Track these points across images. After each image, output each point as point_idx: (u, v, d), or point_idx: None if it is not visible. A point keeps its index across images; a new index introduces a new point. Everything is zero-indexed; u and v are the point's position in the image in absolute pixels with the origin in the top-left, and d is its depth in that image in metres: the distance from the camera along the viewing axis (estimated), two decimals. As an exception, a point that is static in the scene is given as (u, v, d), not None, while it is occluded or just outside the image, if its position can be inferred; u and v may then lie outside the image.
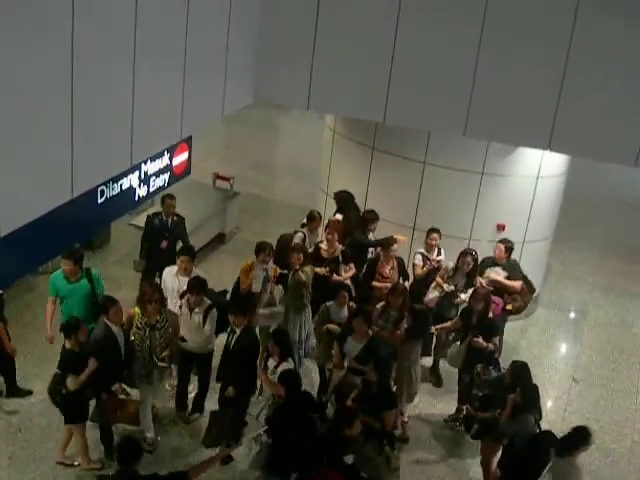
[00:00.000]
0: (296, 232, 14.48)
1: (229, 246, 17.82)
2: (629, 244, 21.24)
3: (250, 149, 24.78)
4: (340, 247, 13.90)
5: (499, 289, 13.50)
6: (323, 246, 13.86)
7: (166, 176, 10.71)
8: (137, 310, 11.29)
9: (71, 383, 10.47)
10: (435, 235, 14.01)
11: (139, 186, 9.89)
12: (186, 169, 11.37)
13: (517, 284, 13.64)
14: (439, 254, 14.15)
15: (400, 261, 14.07)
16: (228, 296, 13.03)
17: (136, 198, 9.96)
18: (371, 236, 14.57)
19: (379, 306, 12.67)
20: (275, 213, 20.55)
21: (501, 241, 13.97)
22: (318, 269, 13.49)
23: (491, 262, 13.92)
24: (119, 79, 8.11)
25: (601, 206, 23.17)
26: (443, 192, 15.20)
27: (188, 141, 11.03)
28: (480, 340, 12.22)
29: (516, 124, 10.72)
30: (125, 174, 9.32)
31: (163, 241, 14.63)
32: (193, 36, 9.18)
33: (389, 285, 13.21)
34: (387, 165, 15.49)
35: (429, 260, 14.04)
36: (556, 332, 15.55)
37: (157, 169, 10.37)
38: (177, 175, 11.10)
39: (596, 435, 12.75)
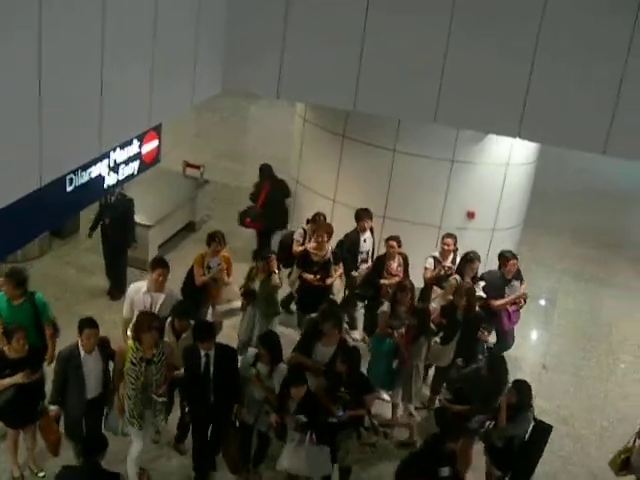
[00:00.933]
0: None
1: (199, 234, 17.71)
2: (597, 231, 21.36)
3: (220, 137, 24.72)
4: (331, 248, 13.71)
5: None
6: (312, 249, 13.62)
7: (135, 164, 10.65)
8: (131, 344, 10.20)
9: None
10: (449, 240, 13.66)
11: (108, 174, 9.81)
12: (156, 157, 11.30)
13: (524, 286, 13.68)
14: (453, 261, 13.75)
15: (405, 257, 13.87)
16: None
17: (105, 186, 9.89)
18: (367, 235, 14.32)
19: (386, 307, 12.49)
20: (246, 201, 20.42)
21: (513, 256, 13.48)
22: (307, 275, 13.35)
23: (502, 280, 13.45)
24: (87, 67, 8.05)
25: (570, 194, 23.28)
26: (413, 180, 15.25)
27: (157, 129, 10.96)
28: (486, 334, 12.65)
29: (486, 111, 10.74)
30: (94, 162, 9.26)
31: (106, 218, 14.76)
32: (162, 23, 9.13)
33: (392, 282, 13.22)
34: (357, 153, 15.51)
35: (441, 265, 13.71)
36: (526, 319, 15.54)
37: (126, 157, 10.30)
38: (147, 163, 11.03)
39: (566, 422, 12.90)
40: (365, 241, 14.30)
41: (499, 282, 13.35)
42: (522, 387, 10.62)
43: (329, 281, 13.50)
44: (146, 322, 10.13)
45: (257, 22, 10.94)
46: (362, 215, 14.17)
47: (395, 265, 13.72)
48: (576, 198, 23.17)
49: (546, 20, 9.98)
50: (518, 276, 13.51)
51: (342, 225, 15.47)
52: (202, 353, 10.27)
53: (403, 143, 15.01)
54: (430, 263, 13.76)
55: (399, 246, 13.57)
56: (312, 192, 16.39)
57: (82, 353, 10.07)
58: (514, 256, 13.43)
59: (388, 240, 13.62)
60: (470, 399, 11.05)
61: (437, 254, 13.80)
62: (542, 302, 15.84)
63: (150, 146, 11.00)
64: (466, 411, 11.00)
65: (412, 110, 11.18)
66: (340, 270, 13.69)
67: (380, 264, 13.80)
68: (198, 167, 18.55)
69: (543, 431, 10.62)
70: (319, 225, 13.86)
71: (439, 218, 15.40)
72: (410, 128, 14.69)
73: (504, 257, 13.41)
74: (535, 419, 10.65)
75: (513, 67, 10.30)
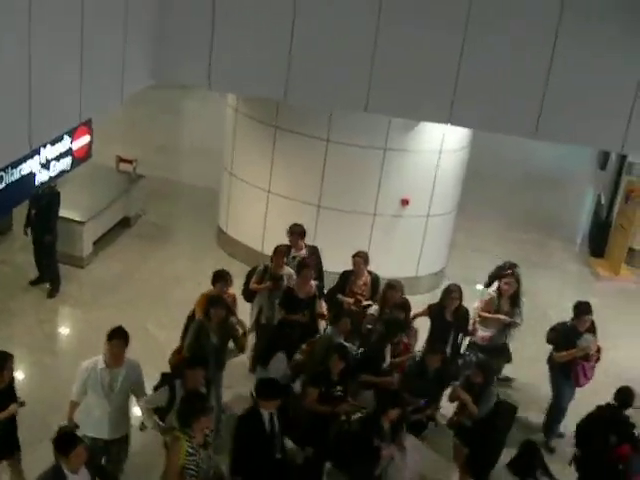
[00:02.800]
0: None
1: (134, 230, 17.68)
2: (532, 215, 21.66)
3: (153, 131, 24.57)
4: (314, 283, 12.82)
5: None
6: (295, 286, 12.62)
7: (67, 160, 10.57)
8: (181, 436, 8.93)
9: None
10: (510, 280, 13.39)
11: (39, 171, 9.74)
12: (87, 153, 11.22)
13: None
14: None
15: (375, 278, 13.10)
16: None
17: (37, 183, 9.82)
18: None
19: (374, 310, 12.35)
20: (181, 195, 20.46)
21: (588, 310, 12.56)
22: (295, 317, 12.40)
23: (573, 332, 12.57)
24: (14, 63, 7.97)
25: (504, 179, 23.54)
26: (347, 169, 15.31)
27: (88, 124, 10.89)
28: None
29: (417, 99, 10.74)
30: (24, 159, 9.18)
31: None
32: (90, 15, 9.04)
33: (357, 300, 12.74)
34: (290, 143, 15.53)
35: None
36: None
37: (58, 153, 10.23)
38: (78, 159, 10.95)
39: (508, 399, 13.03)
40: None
41: (570, 333, 12.53)
42: (486, 366, 11.10)
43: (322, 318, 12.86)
44: (198, 405, 9.13)
45: (187, 13, 10.85)
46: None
47: (361, 283, 13.05)
48: (511, 183, 23.44)
49: (475, 5, 10.05)
50: (592, 329, 12.61)
51: (277, 216, 15.57)
52: (266, 413, 9.54)
53: (336, 133, 15.05)
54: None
55: (365, 263, 12.97)
56: (246, 184, 16.38)
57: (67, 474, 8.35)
58: (589, 310, 12.53)
59: (355, 256, 13.02)
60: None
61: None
62: (479, 287, 15.90)
63: (81, 142, 10.92)
64: None
65: (343, 100, 11.17)
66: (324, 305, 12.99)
67: (344, 280, 13.12)
68: (131, 162, 18.43)
69: (509, 408, 11.19)
70: (297, 260, 13.13)
71: (373, 206, 15.47)
72: (342, 117, 14.74)
73: (579, 310, 12.56)
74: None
75: (442, 54, 10.31)
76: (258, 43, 10.82)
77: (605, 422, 10.86)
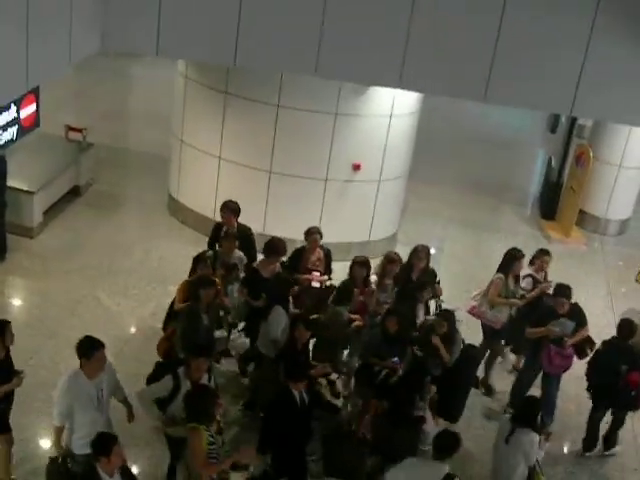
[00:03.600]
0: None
1: (84, 199, 17.51)
2: (482, 178, 21.73)
3: (102, 99, 24.28)
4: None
5: None
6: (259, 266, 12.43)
7: (14, 129, 10.51)
8: (199, 426, 8.93)
9: None
10: (547, 258, 13.30)
11: (-15, 140, 9.64)
12: (35, 121, 11.15)
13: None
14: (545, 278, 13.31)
15: (327, 252, 12.99)
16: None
17: (-17, 153, 9.72)
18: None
19: (374, 281, 12.42)
20: (131, 163, 20.29)
21: (567, 294, 12.30)
22: (257, 302, 12.09)
23: (550, 311, 12.34)
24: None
25: (455, 143, 23.58)
26: (298, 134, 15.25)
27: (35, 92, 10.77)
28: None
29: (367, 63, 10.70)
30: (-29, 129, 9.07)
31: None
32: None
33: (313, 277, 12.58)
34: (241, 109, 15.42)
35: (538, 282, 13.15)
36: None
37: (4, 122, 10.16)
38: (25, 128, 10.89)
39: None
40: None
41: (545, 312, 12.40)
42: (449, 316, 11.49)
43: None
44: (210, 399, 9.13)
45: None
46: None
47: (314, 259, 12.87)
48: (462, 147, 23.49)
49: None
50: (575, 318, 12.22)
51: (229, 182, 15.52)
52: (296, 392, 9.79)
53: (286, 98, 14.97)
54: (528, 282, 13.19)
55: (320, 237, 12.83)
56: (197, 150, 16.26)
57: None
58: (566, 293, 12.21)
59: (311, 234, 12.76)
60: None
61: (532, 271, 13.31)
62: (431, 250, 15.96)
63: (28, 110, 10.84)
64: None
65: (292, 63, 11.10)
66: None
67: (297, 256, 12.90)
68: (80, 130, 18.20)
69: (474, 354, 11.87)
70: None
71: (325, 171, 15.44)
72: (293, 82, 14.66)
73: (556, 291, 12.36)
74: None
75: (391, 17, 10.29)
76: (206, 8, 10.71)
77: (614, 354, 11.75)
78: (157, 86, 23.91)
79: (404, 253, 14.98)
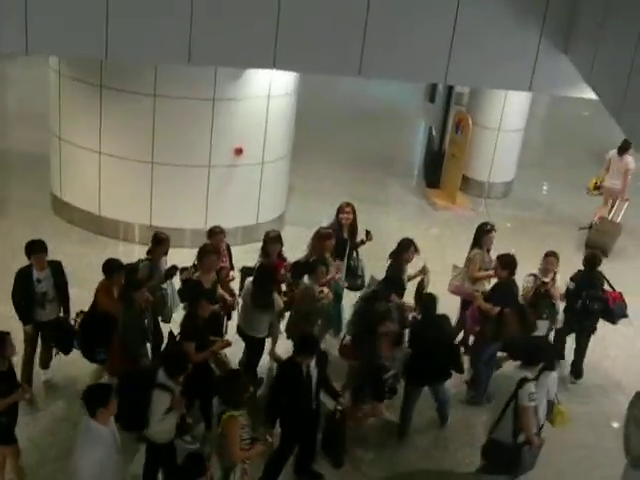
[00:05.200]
0: None
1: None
2: (366, 153, 21.94)
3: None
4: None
5: None
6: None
7: None
8: (236, 413, 9.06)
9: None
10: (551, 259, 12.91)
11: None
12: None
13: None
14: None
15: (228, 246, 12.87)
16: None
17: None
18: None
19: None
20: (10, 164, 19.95)
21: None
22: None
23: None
24: None
25: (336, 119, 23.73)
26: (177, 122, 15.16)
27: None
28: None
29: (239, 46, 10.64)
30: None
31: None
32: None
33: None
34: (117, 102, 15.25)
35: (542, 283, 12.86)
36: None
37: None
38: None
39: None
40: None
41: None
42: (429, 303, 11.65)
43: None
44: (244, 382, 9.42)
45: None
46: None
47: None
48: (343, 123, 23.64)
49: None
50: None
51: (111, 177, 15.39)
52: (304, 365, 9.94)
53: (162, 87, 14.84)
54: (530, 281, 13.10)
55: (224, 236, 12.68)
56: (76, 147, 16.03)
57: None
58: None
59: (215, 234, 12.50)
60: None
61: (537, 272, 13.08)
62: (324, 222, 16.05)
63: None
64: None
65: (165, 54, 10.98)
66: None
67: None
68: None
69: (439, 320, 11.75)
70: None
71: (207, 158, 15.39)
72: (168, 71, 14.56)
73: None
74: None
75: (260, 1, 10.30)
76: (73, 2, 10.54)
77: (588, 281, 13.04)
78: (34, 85, 23.49)
79: (293, 233, 15.11)
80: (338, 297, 12.86)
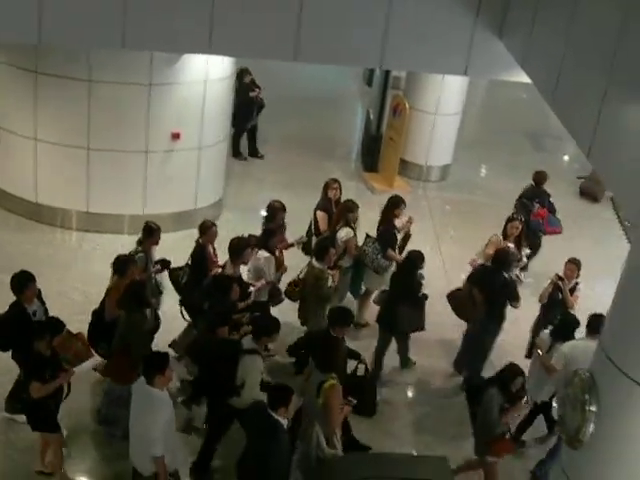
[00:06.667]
0: None
1: None
2: (304, 137, 21.92)
3: None
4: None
5: None
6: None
7: None
8: (335, 382, 9.55)
9: (34, 391, 9.37)
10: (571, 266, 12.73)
11: None
12: None
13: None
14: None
15: None
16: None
17: None
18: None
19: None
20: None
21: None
22: None
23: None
24: None
25: (274, 104, 23.61)
26: (113, 108, 15.06)
27: None
28: None
29: (173, 31, 10.58)
30: None
31: None
32: None
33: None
34: (52, 88, 15.09)
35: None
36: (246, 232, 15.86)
37: None
38: None
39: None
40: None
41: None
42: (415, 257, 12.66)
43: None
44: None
45: None
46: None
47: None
48: (280, 107, 23.51)
49: None
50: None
51: (48, 164, 15.26)
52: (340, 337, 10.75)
53: (98, 72, 14.70)
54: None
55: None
56: (11, 134, 15.84)
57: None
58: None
59: (207, 227, 12.46)
60: None
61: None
62: (260, 214, 16.05)
63: None
64: None
65: (99, 38, 10.86)
66: None
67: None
68: None
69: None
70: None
71: (144, 143, 15.30)
72: (103, 56, 14.41)
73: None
74: None
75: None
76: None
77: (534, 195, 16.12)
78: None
79: (232, 218, 15.09)
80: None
